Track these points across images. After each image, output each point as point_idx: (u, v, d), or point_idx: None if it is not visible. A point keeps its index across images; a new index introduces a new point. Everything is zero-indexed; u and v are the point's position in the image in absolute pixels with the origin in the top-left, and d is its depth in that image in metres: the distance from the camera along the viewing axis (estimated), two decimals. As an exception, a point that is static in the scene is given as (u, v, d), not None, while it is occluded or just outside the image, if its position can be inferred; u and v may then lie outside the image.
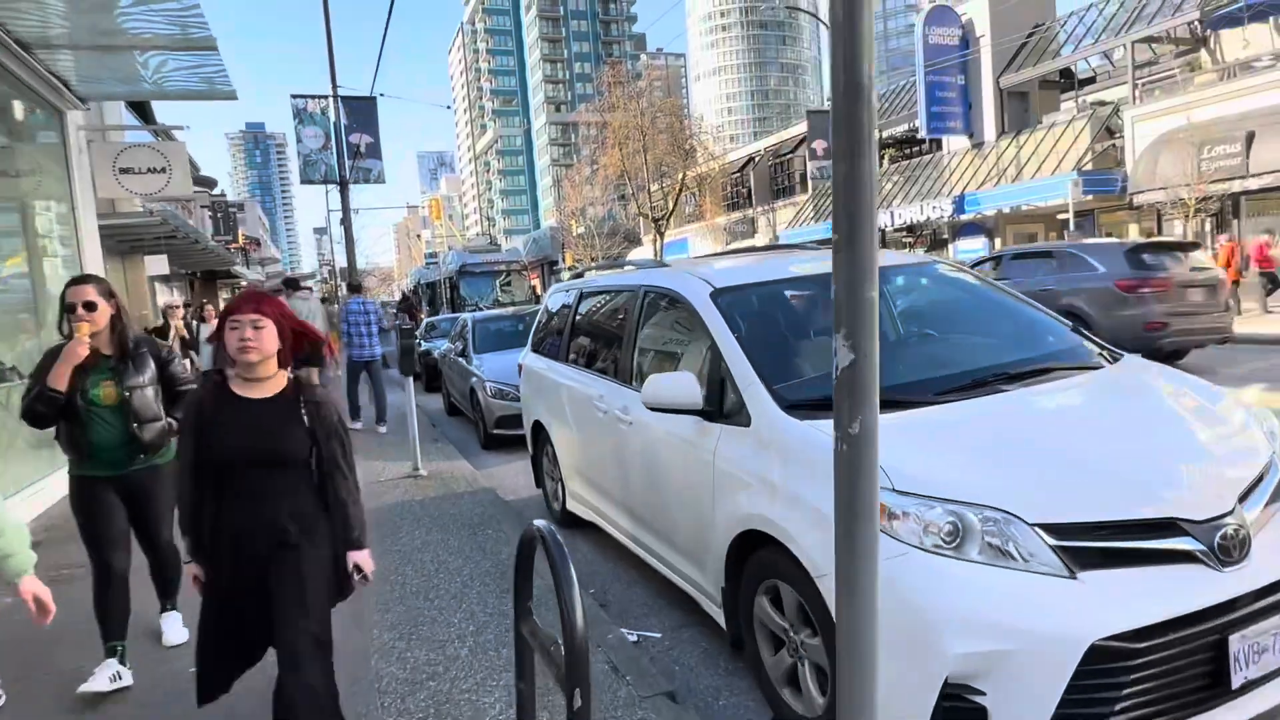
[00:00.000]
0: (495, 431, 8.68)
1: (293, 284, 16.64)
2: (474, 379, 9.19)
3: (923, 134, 27.09)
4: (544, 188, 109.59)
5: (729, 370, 3.27)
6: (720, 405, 3.30)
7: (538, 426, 5.90)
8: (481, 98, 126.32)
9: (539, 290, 31.68)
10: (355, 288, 12.36)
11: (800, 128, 38.16)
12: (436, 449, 8.44)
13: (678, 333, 4.03)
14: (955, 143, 27.53)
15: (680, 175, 38.28)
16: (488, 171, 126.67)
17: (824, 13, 40.15)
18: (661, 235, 39.43)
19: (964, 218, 25.27)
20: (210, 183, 42.87)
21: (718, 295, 3.63)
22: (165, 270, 18.92)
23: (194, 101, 9.53)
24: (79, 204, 8.64)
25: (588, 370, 4.89)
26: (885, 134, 31.79)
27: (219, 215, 40.38)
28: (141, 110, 20.49)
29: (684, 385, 3.31)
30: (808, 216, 34.99)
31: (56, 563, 5.10)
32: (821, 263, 3.85)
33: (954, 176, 26.97)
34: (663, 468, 3.74)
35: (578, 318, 5.33)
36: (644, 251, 50.55)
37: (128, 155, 9.17)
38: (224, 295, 41.00)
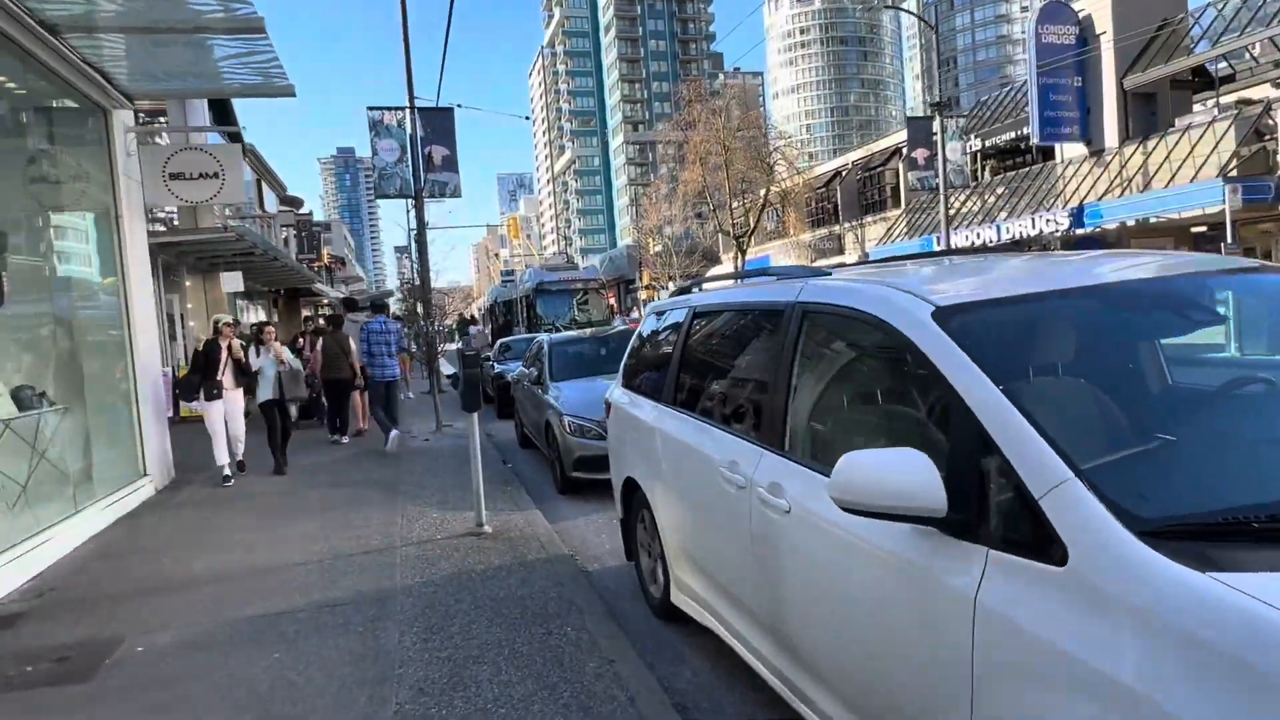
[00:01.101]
0: (574, 475, 7.39)
1: (350, 305, 16.01)
2: (550, 411, 7.94)
3: (1035, 140, 24.87)
4: (620, 207, 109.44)
5: (1001, 450, 1.84)
6: (981, 513, 1.87)
7: (631, 485, 4.55)
8: (560, 119, 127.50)
9: (615, 310, 30.66)
10: (379, 308, 11.63)
11: (891, 140, 36.20)
12: (505, 494, 7.20)
13: (866, 375, 2.63)
14: (1070, 150, 25.20)
15: (763, 190, 36.76)
16: (565, 191, 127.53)
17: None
18: (743, 253, 37.95)
19: (1082, 231, 22.94)
20: (296, 202, 43.66)
21: (947, 316, 2.22)
22: (240, 287, 18.55)
23: (254, 99, 8.67)
24: (124, 213, 7.82)
25: (708, 420, 3.52)
26: (987, 143, 29.61)
27: (303, 234, 40.93)
28: (223, 114, 20.34)
29: (912, 475, 1.90)
30: (900, 232, 32.93)
31: (40, 646, 4.00)
32: (1153, 265, 2.39)
33: (1069, 187, 24.65)
34: (852, 593, 2.33)
35: (691, 346, 3.98)
36: (724, 271, 49.05)
37: (179, 160, 8.35)
38: (306, 313, 41.51)
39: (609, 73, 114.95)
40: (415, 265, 21.66)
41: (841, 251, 37.99)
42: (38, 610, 4.77)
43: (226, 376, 8.03)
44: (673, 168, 40.43)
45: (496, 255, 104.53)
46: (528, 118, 72.43)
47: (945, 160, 22.76)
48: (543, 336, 9.83)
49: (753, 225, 37.86)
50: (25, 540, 5.64)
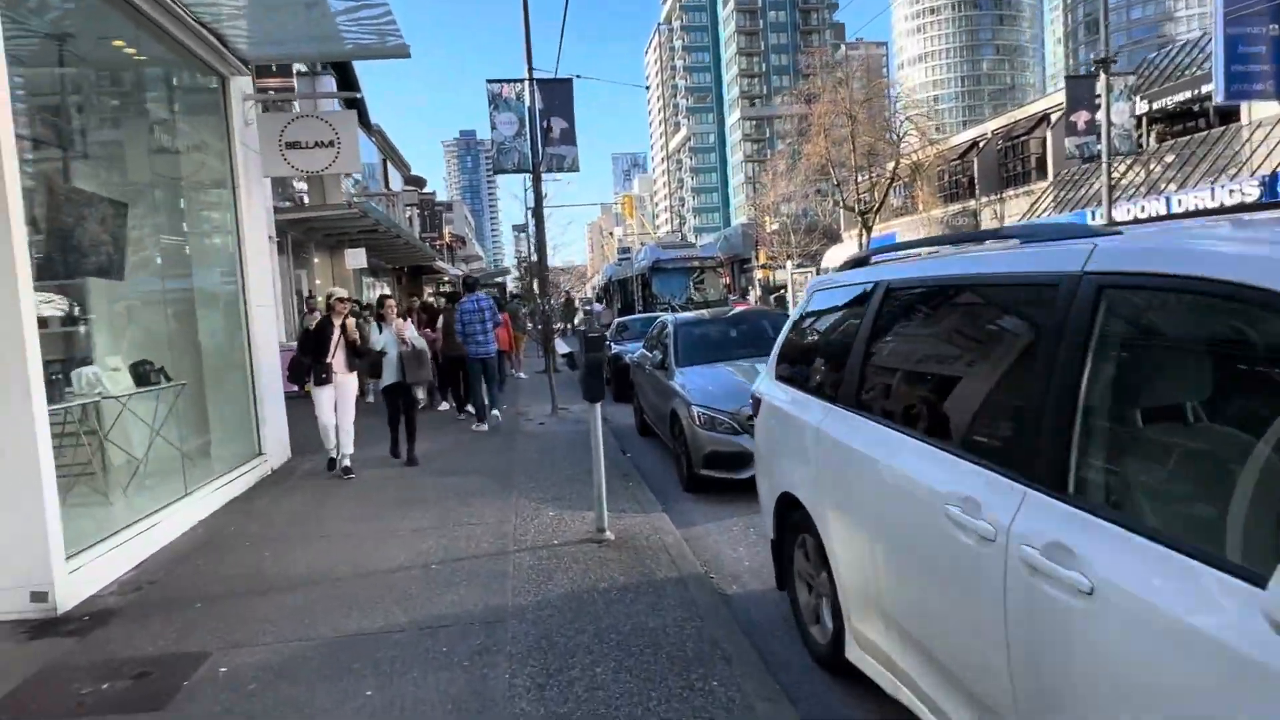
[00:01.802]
0: (703, 473, 6.58)
1: (471, 284, 15.94)
2: (676, 400, 7.14)
3: (1217, 99, 21.87)
4: (735, 185, 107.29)
5: None
6: None
7: (789, 502, 3.69)
8: (676, 96, 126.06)
9: (731, 289, 29.55)
10: (471, 286, 11.41)
11: (1039, 106, 33.24)
12: (627, 490, 6.48)
13: (1243, 383, 1.66)
14: (1261, 110, 22.08)
15: (891, 163, 34.56)
16: (680, 170, 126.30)
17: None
18: (868, 230, 35.90)
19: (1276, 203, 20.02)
20: (420, 182, 44.76)
21: None
22: (364, 263, 18.76)
23: (369, 61, 8.25)
24: (241, 183, 7.55)
25: (914, 433, 2.60)
26: (1154, 106, 26.46)
27: (425, 213, 41.87)
28: (344, 78, 20.56)
29: None
30: (1047, 207, 30.17)
31: (120, 653, 3.57)
32: None
33: (1257, 153, 21.61)
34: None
35: (884, 331, 3.05)
36: (846, 249, 46.84)
37: (296, 128, 8.02)
38: (429, 290, 42.58)
39: (726, 46, 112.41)
40: (532, 242, 21.31)
41: (978, 228, 35.29)
42: (131, 608, 4.40)
43: (338, 359, 7.32)
44: (793, 141, 38.59)
45: (610, 234, 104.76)
46: (645, 86, 71.85)
47: (1110, 124, 20.32)
48: (667, 317, 9.05)
49: (879, 201, 35.71)
50: (135, 524, 5.37)
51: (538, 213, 17.28)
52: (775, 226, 55.00)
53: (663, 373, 7.90)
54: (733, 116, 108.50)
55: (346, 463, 7.58)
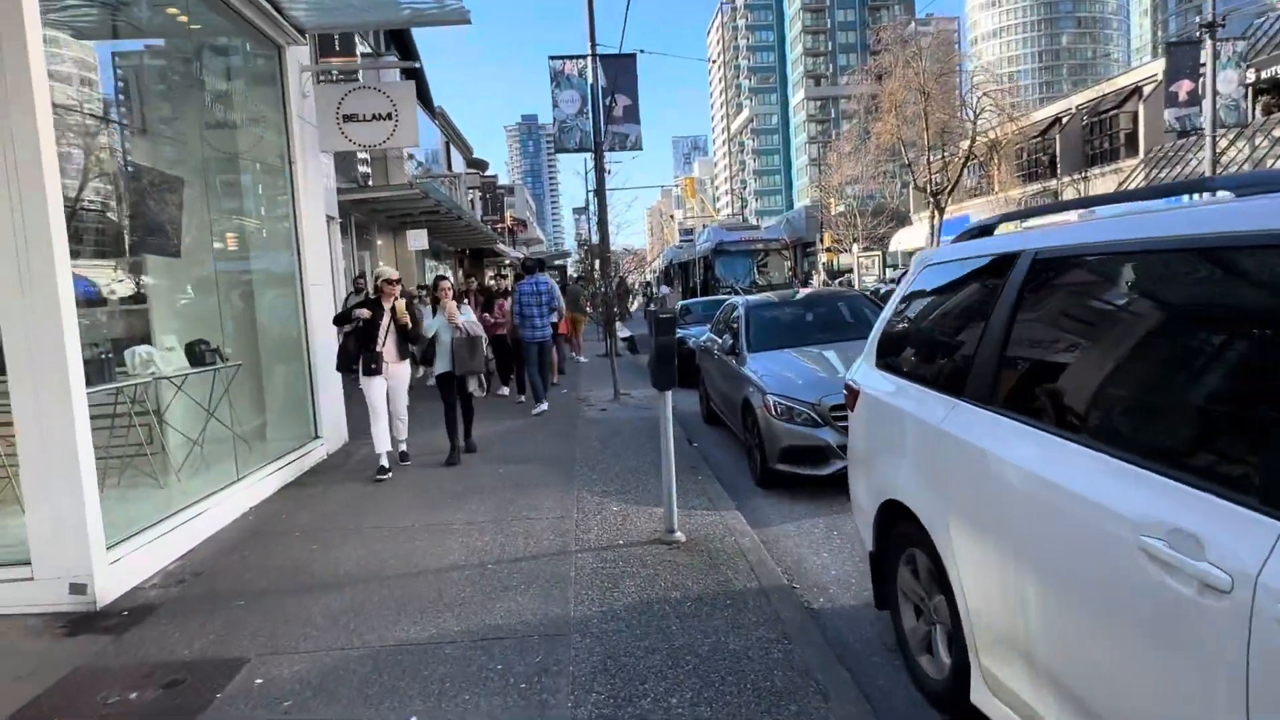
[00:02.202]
0: (778, 467, 6.07)
1: (538, 265, 15.67)
2: (749, 388, 6.62)
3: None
4: (799, 167, 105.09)
5: None
6: None
7: (894, 510, 3.16)
8: (739, 76, 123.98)
9: (795, 274, 28.68)
10: (530, 268, 11.23)
11: (1129, 78, 31.31)
12: (696, 485, 6.01)
13: None
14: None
15: (967, 140, 33.00)
16: (742, 152, 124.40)
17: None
18: (941, 211, 34.45)
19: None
20: (482, 165, 44.87)
21: None
22: (425, 245, 18.67)
23: (431, 36, 7.90)
24: (297, 158, 7.30)
25: (1096, 445, 2.05)
26: (1262, 75, 24.49)
27: (487, 196, 41.95)
28: (404, 51, 20.44)
29: None
30: (1136, 185, 28.38)
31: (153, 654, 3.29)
32: None
33: (1381, 124, 19.76)
34: None
35: (1032, 312, 2.50)
36: (915, 232, 45.20)
37: (353, 100, 7.74)
38: (490, 272, 42.76)
39: (791, 24, 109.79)
40: (593, 223, 20.96)
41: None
42: (172, 603, 4.14)
43: (389, 347, 6.67)
44: (861, 121, 37.21)
45: (671, 217, 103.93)
46: (709, 60, 70.65)
47: (1216, 93, 18.79)
48: (737, 299, 8.50)
49: (953, 180, 34.18)
50: (184, 510, 5.15)
51: (599, 192, 16.87)
52: (841, 209, 53.52)
53: (733, 359, 7.38)
54: (797, 97, 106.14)
55: (403, 448, 7.31)
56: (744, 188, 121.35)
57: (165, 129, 6.67)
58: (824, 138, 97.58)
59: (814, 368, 6.63)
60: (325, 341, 7.70)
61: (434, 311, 7.57)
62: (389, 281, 6.79)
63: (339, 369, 7.16)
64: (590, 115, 17.19)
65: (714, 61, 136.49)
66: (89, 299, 5.82)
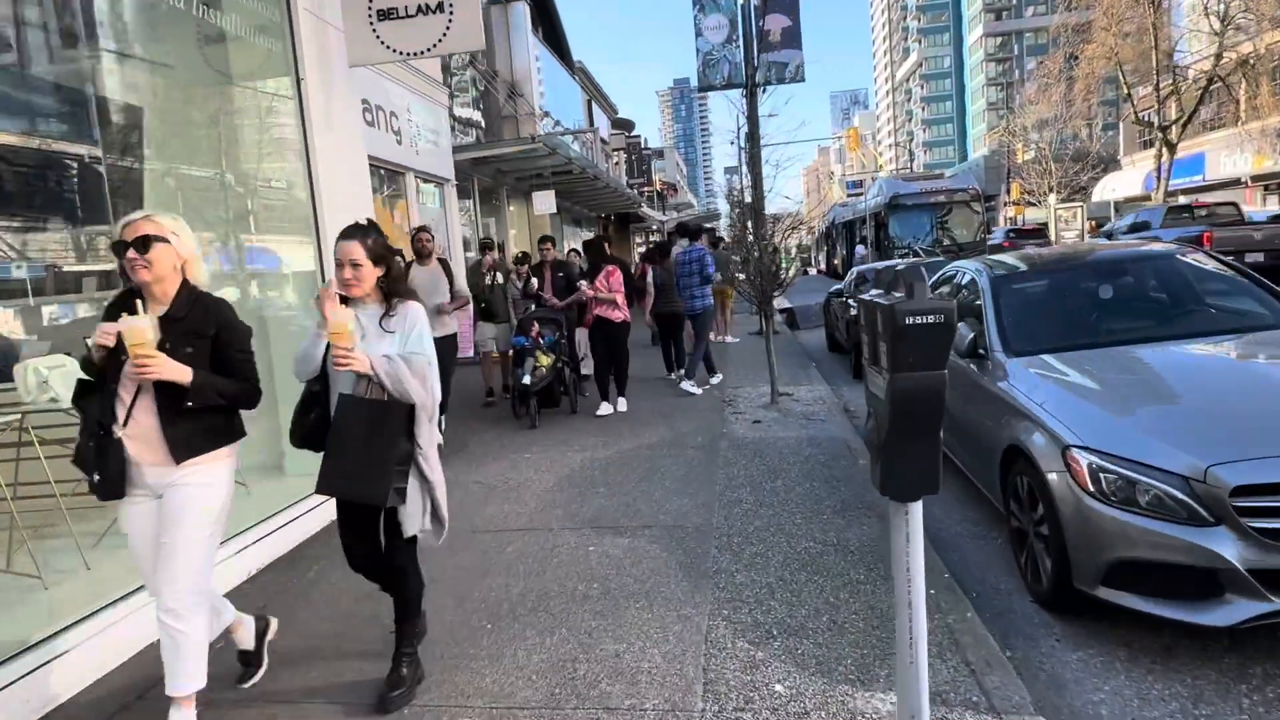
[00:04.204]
0: (1099, 594, 3.10)
1: (684, 230, 13.76)
2: (1019, 426, 3.63)
3: None
4: (974, 113, 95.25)
5: None
6: None
7: None
8: (905, 17, 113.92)
9: (987, 229, 24.15)
10: (694, 233, 10.08)
11: None
12: (937, 622, 3.20)
13: None
14: None
15: (1213, 57, 26.65)
16: (908, 101, 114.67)
17: None
18: (1171, 148, 28.34)
19: None
20: (628, 125, 42.55)
21: None
22: (552, 208, 16.50)
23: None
24: (308, 75, 5.02)
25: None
26: None
27: (633, 158, 39.67)
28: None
29: None
30: None
31: None
32: None
33: None
34: None
35: None
36: (1127, 178, 38.35)
37: (392, -12, 5.34)
38: (636, 240, 40.56)
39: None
40: (745, 177, 17.90)
41: (1334, 140, 26.51)
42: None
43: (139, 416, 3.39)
44: (1069, 41, 31.21)
45: (831, 174, 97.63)
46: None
47: None
48: (968, 264, 5.39)
49: (1188, 111, 27.91)
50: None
51: (753, 134, 13.86)
52: (1030, 155, 46.74)
53: (976, 367, 4.39)
54: (973, 35, 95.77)
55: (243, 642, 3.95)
56: (910, 139, 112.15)
57: (106, 37, 4.54)
58: (1005, 79, 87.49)
59: (1165, 389, 3.58)
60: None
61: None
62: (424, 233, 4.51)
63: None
64: (741, 43, 14.23)
65: (874, 29, 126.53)
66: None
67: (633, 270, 12.91)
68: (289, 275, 5.43)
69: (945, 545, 4.31)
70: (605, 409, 7.78)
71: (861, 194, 28.42)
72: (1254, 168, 29.15)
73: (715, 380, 9.16)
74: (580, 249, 7.38)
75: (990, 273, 4.87)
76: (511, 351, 7.78)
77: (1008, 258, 5.39)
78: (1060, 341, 4.15)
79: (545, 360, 7.31)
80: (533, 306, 8.34)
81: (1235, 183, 31.06)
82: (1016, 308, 4.53)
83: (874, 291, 2.20)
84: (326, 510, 4.91)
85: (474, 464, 6.16)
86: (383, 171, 11.04)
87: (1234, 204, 19.78)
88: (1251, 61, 27.10)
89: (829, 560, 3.83)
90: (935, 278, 6.23)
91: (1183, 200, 24.59)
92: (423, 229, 6.89)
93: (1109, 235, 23.46)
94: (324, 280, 5.15)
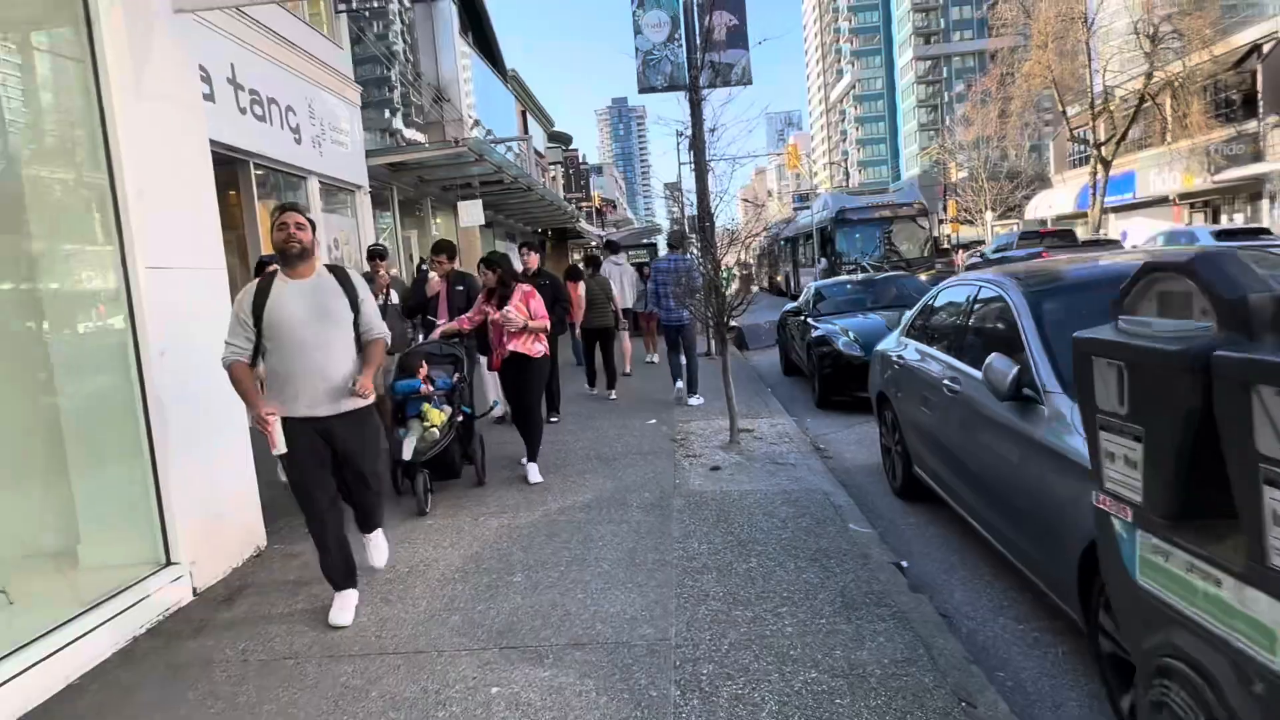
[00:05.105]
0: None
1: (612, 247, 13.56)
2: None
3: None
4: (906, 133, 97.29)
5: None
6: None
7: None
8: (838, 40, 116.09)
9: (936, 245, 23.72)
10: (674, 243, 9.85)
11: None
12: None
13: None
14: None
15: (1144, 75, 26.95)
16: (842, 121, 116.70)
17: None
18: (1106, 165, 28.59)
19: None
20: (565, 139, 41.36)
21: None
22: (481, 219, 15.09)
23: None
24: (104, 17, 3.63)
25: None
26: None
27: (570, 171, 38.48)
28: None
29: None
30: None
31: None
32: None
33: None
34: None
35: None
36: (1056, 195, 38.87)
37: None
38: (575, 255, 39.28)
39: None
40: (684, 198, 16.79)
41: (1260, 158, 27.04)
42: None
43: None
44: (1008, 59, 31.26)
45: (770, 194, 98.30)
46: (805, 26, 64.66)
47: None
48: (979, 278, 4.22)
49: (1122, 128, 28.17)
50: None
51: (696, 141, 12.79)
52: (964, 174, 47.28)
53: (1020, 416, 3.25)
54: (904, 58, 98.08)
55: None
56: (845, 159, 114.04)
57: None
58: (935, 100, 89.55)
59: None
60: (189, 383, 4.00)
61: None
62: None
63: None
64: (684, 41, 13.20)
65: (807, 51, 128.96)
66: None
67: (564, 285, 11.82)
68: (83, 293, 3.97)
69: (988, 654, 3.14)
70: (534, 473, 5.79)
71: (808, 208, 27.75)
72: (1183, 186, 29.62)
73: (680, 392, 8.71)
74: (483, 265, 5.78)
75: (1023, 286, 3.75)
76: (390, 403, 5.37)
77: (1032, 267, 4.30)
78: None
79: (437, 416, 5.15)
80: (420, 337, 6.39)
81: (1163, 201, 31.60)
82: (1068, 333, 3.41)
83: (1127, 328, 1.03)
84: (136, 620, 3.46)
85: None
86: (277, 174, 9.56)
87: (1071, 231, 25.23)
88: (1178, 81, 27.53)
89: (844, 709, 2.60)
90: (929, 299, 5.13)
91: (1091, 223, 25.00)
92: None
93: (983, 256, 24.20)
94: (128, 275, 3.72)
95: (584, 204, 42.97)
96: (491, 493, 5.51)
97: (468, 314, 5.75)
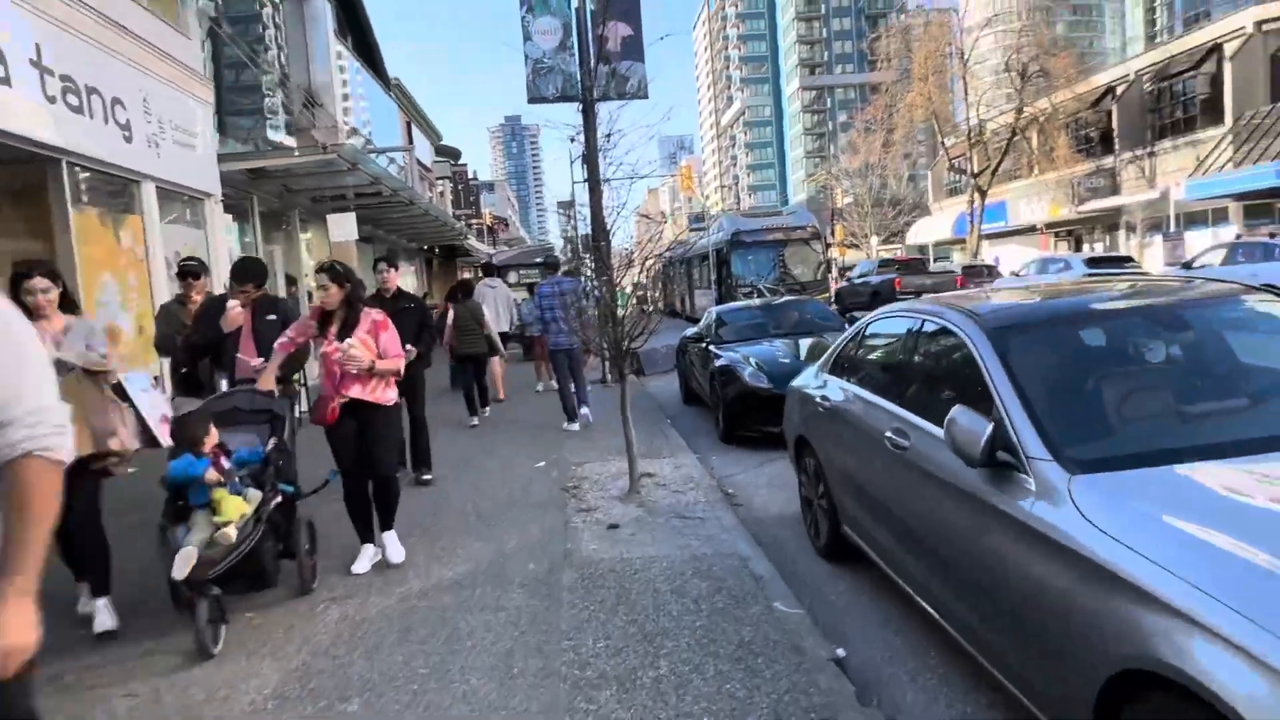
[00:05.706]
0: None
1: (488, 269, 13.56)
2: (1177, 640, 1.83)
3: None
4: (794, 159, 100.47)
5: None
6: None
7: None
8: (728, 67, 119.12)
9: (829, 268, 23.97)
10: (552, 265, 9.54)
11: (1211, 32, 26.80)
12: None
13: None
14: None
15: (1016, 110, 28.37)
16: (732, 146, 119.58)
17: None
18: (983, 194, 29.88)
19: None
20: (453, 154, 39.89)
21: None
22: (353, 234, 13.78)
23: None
24: None
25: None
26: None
27: (460, 187, 37.07)
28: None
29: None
30: (1223, 159, 23.95)
31: None
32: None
33: None
34: None
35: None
36: (935, 223, 40.60)
37: None
38: (464, 274, 37.79)
39: (783, 12, 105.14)
40: (575, 214, 16.09)
41: (1116, 191, 28.92)
42: None
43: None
44: (892, 90, 32.27)
45: (662, 214, 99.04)
46: (664, 36, 65.82)
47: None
48: (922, 308, 3.59)
49: (996, 160, 29.54)
50: None
51: (590, 157, 12.07)
52: (849, 200, 48.84)
53: (994, 485, 2.59)
54: (791, 86, 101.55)
55: None
56: (736, 183, 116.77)
57: None
58: (820, 129, 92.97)
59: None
60: None
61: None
62: None
63: None
64: (576, 50, 12.44)
65: (699, 77, 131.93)
66: None
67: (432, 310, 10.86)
68: None
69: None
70: (362, 564, 4.40)
71: (704, 230, 27.54)
72: (1050, 215, 31.34)
73: (572, 426, 8.26)
74: (323, 274, 4.12)
75: (982, 322, 3.11)
76: (171, 488, 3.59)
77: (987, 297, 3.71)
78: (1153, 439, 2.41)
79: (236, 507, 3.51)
80: (224, 384, 4.49)
81: (1032, 229, 33.39)
82: (1051, 381, 2.78)
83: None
84: None
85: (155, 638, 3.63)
86: (100, 176, 8.14)
87: (922, 259, 28.11)
88: (1044, 117, 29.15)
89: None
90: (859, 330, 4.48)
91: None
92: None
93: (850, 282, 25.32)
94: None
95: (474, 221, 41.55)
96: (332, 570, 4.46)
97: (285, 335, 4.26)
